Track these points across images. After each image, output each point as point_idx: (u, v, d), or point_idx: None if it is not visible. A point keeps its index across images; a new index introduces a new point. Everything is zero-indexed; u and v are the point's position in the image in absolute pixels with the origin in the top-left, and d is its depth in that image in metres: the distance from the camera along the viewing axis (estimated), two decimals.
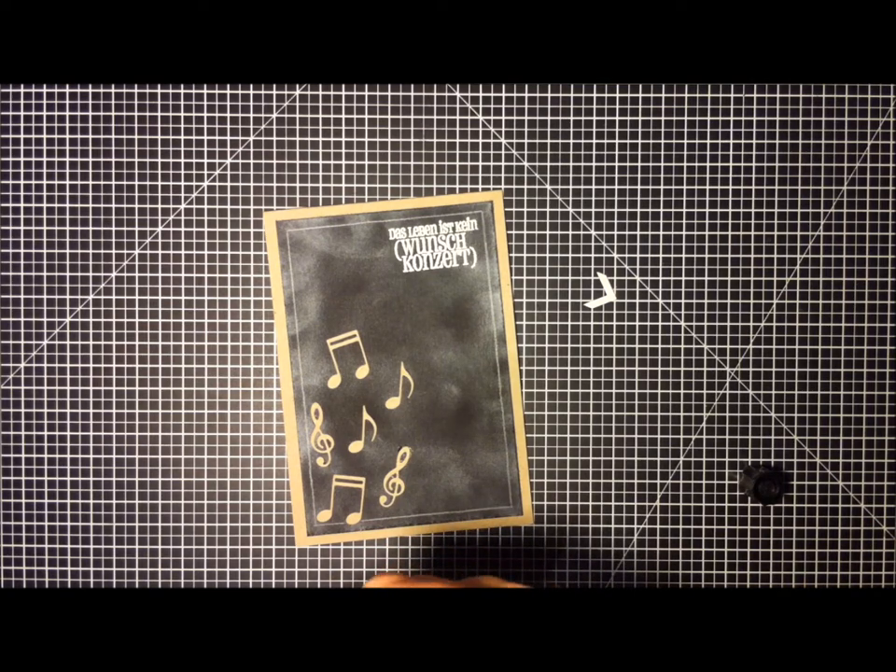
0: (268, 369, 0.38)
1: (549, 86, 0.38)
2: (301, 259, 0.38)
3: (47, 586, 0.38)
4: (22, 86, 0.38)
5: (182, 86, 0.38)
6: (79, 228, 0.38)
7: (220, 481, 0.38)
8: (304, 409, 0.38)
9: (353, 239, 0.38)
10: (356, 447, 0.38)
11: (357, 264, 0.38)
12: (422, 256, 0.38)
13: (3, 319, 0.38)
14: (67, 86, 0.38)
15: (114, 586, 0.38)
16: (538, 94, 0.38)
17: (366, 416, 0.38)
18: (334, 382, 0.38)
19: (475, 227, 0.38)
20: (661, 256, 0.39)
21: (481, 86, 0.38)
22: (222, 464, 0.38)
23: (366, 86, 0.38)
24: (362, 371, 0.38)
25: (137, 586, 0.38)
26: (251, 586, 0.38)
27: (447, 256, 0.38)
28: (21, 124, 0.38)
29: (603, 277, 0.39)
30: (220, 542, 0.38)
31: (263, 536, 0.38)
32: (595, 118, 0.39)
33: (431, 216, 0.38)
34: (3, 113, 0.38)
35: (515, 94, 0.38)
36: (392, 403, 0.38)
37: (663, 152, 0.39)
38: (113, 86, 0.38)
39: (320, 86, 0.38)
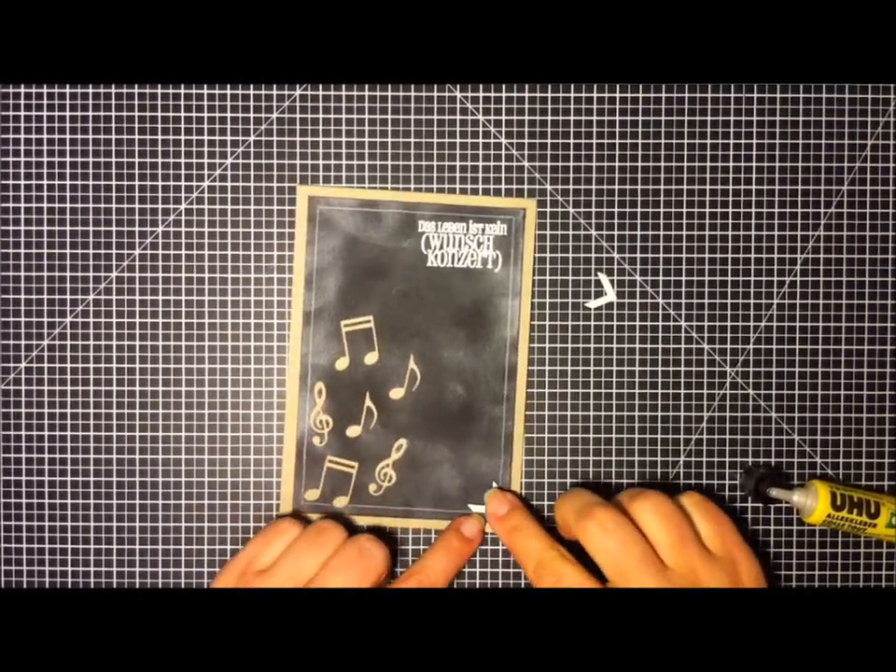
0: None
1: (549, 86, 0.38)
2: (328, 238, 0.38)
3: (47, 586, 0.38)
4: (22, 86, 0.38)
5: (182, 86, 0.38)
6: (79, 228, 0.38)
7: (221, 481, 0.38)
8: (308, 386, 0.38)
9: (381, 225, 0.38)
10: (353, 431, 0.38)
11: (382, 251, 0.38)
12: (447, 252, 0.38)
13: (3, 319, 0.38)
14: (67, 86, 0.38)
15: (114, 586, 0.38)
16: (538, 94, 0.38)
17: (368, 403, 0.38)
18: (342, 364, 0.38)
19: (504, 232, 0.38)
20: (661, 256, 0.39)
21: (481, 86, 0.38)
22: (222, 464, 0.38)
23: (366, 86, 0.38)
24: (371, 357, 0.38)
25: (137, 586, 0.38)
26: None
27: (472, 256, 0.38)
28: (22, 124, 0.38)
29: (603, 277, 0.39)
30: (221, 542, 0.38)
31: None
32: (595, 118, 0.39)
33: (463, 214, 0.38)
34: (3, 113, 0.38)
35: (515, 94, 0.38)
36: (396, 393, 0.38)
37: (663, 152, 0.39)
38: (113, 86, 0.38)
39: (320, 86, 0.38)
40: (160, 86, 0.38)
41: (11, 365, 0.38)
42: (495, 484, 0.38)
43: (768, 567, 0.39)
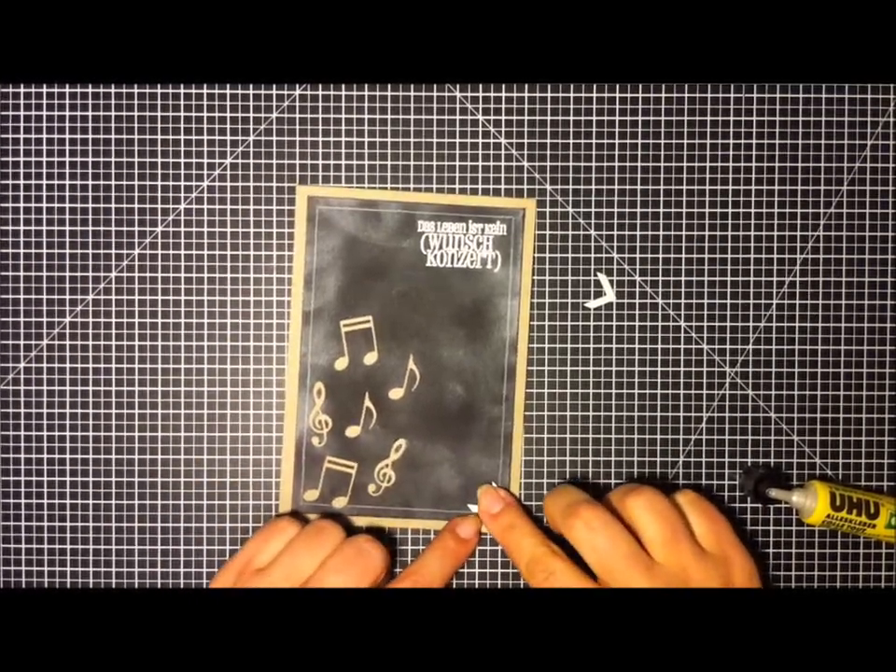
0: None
1: (549, 86, 0.38)
2: (327, 238, 0.38)
3: (46, 586, 0.38)
4: (22, 86, 0.38)
5: (182, 86, 0.38)
6: (79, 228, 0.38)
7: (220, 481, 0.38)
8: (307, 386, 0.38)
9: (381, 225, 0.38)
10: (352, 432, 0.38)
11: (382, 251, 0.38)
12: (447, 252, 0.38)
13: (3, 319, 0.38)
14: (67, 86, 0.38)
15: (113, 586, 0.38)
16: (538, 94, 0.38)
17: (367, 403, 0.38)
18: (341, 364, 0.38)
19: (504, 231, 0.38)
20: (661, 256, 0.39)
21: (481, 86, 0.38)
22: (222, 464, 0.38)
23: (366, 86, 0.38)
24: (370, 358, 0.38)
25: (136, 586, 0.38)
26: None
27: (472, 256, 0.38)
28: (21, 124, 0.38)
29: (603, 277, 0.39)
30: (220, 542, 0.38)
31: None
32: (594, 118, 0.39)
33: (462, 214, 0.38)
34: (3, 113, 0.38)
35: (515, 94, 0.38)
36: (395, 394, 0.38)
37: (663, 152, 0.39)
38: (113, 86, 0.38)
39: (320, 86, 0.38)
40: (159, 86, 0.38)
41: (10, 365, 0.38)
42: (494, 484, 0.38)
43: (765, 568, 0.39)
